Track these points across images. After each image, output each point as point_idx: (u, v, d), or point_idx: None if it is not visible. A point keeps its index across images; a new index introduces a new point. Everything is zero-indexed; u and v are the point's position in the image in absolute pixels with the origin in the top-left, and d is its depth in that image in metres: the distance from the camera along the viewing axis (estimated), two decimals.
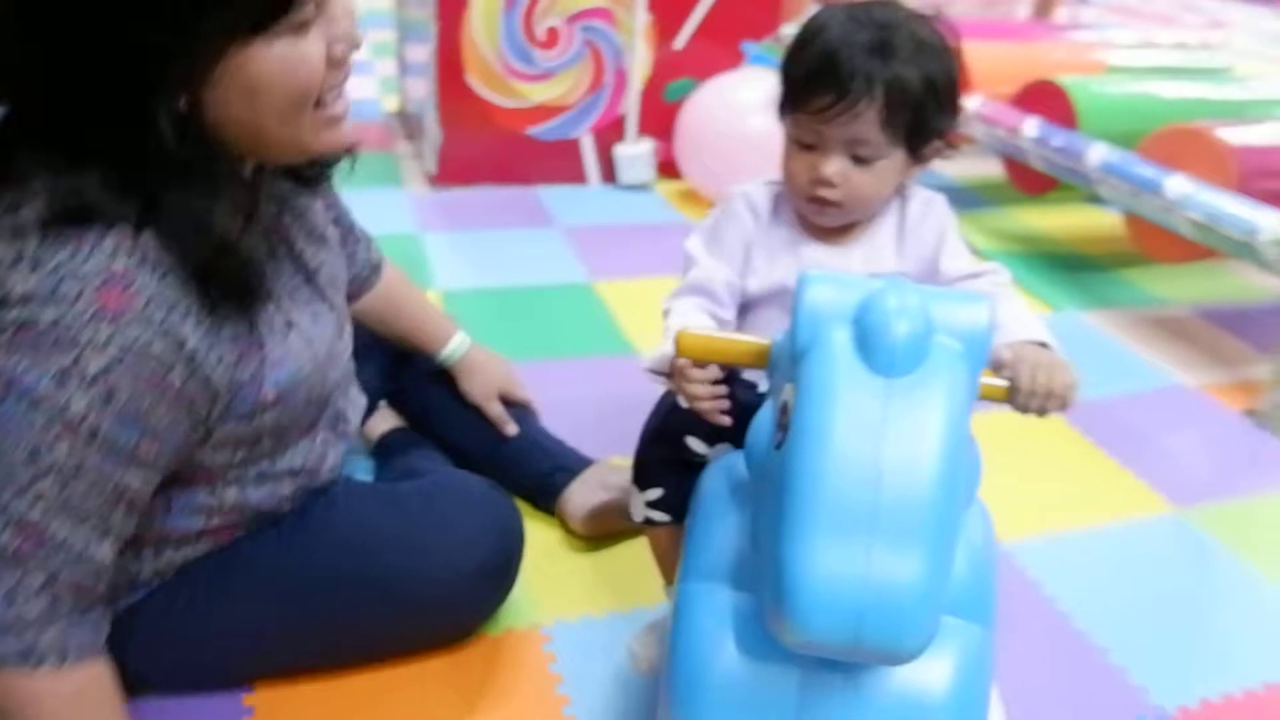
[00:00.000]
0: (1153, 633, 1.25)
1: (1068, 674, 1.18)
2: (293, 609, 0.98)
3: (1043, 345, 0.85)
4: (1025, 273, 2.28)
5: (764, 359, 0.83)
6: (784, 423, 0.72)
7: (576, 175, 2.64)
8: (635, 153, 2.61)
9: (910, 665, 0.70)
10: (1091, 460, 1.60)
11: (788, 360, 0.76)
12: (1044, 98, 2.43)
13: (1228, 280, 2.41)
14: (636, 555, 1.31)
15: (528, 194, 2.55)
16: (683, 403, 0.99)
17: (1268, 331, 2.10)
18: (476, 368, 1.35)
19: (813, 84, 0.86)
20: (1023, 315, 0.89)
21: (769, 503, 0.74)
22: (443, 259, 2.14)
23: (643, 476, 1.02)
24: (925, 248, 0.96)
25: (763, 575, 0.74)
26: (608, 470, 1.35)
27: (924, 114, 0.88)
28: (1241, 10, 6.67)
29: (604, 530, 1.32)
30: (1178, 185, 1.91)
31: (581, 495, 1.32)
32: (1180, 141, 2.10)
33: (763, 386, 0.90)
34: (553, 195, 2.55)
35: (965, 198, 2.82)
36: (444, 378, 1.35)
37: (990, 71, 2.55)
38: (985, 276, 0.95)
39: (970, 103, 2.47)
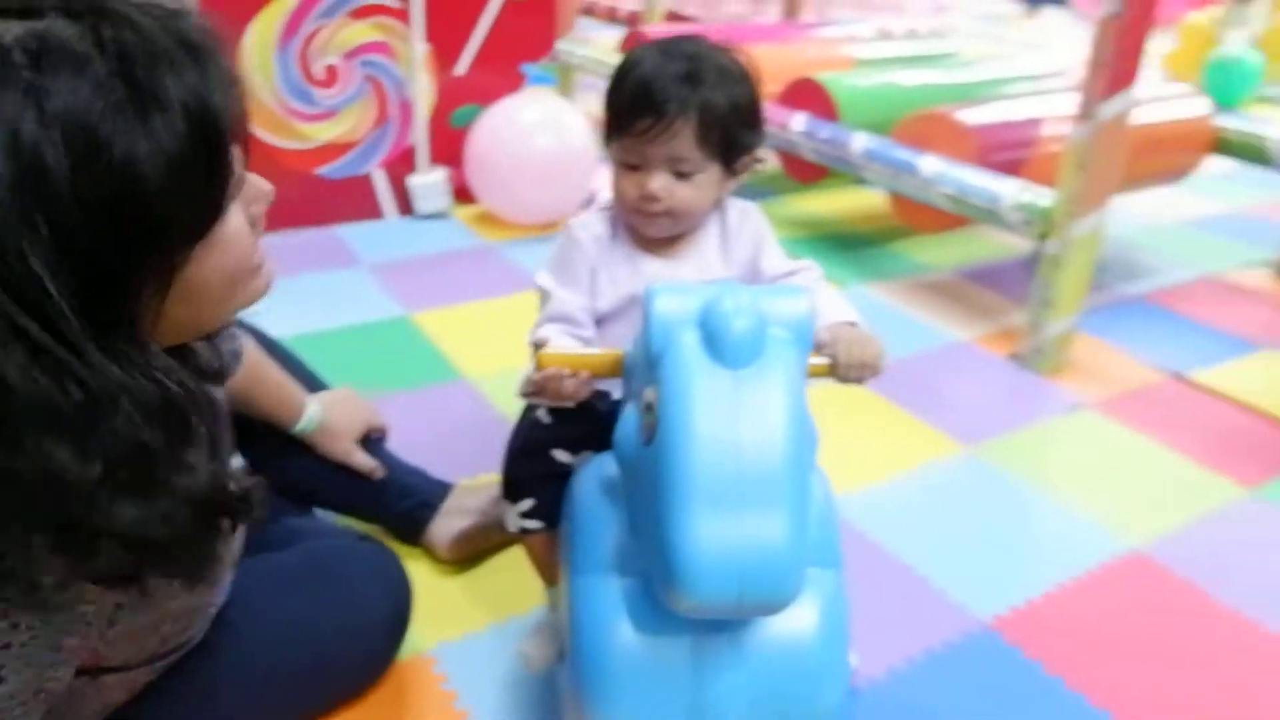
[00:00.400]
0: (963, 556, 1.43)
1: (899, 603, 1.34)
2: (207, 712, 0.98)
3: (852, 324, 0.99)
4: (807, 254, 2.47)
5: (619, 367, 0.93)
6: (650, 421, 0.81)
7: (373, 211, 2.64)
8: (429, 182, 2.64)
9: (783, 613, 0.81)
10: (891, 417, 1.80)
11: (643, 366, 0.85)
12: (806, 94, 2.66)
13: (980, 243, 2.71)
14: (502, 569, 1.37)
15: (326, 235, 2.53)
16: (544, 417, 1.07)
17: (1018, 284, 2.39)
18: (330, 431, 1.36)
19: (634, 110, 0.97)
20: (834, 300, 1.03)
21: (644, 493, 0.83)
22: (249, 312, 2.09)
23: (513, 491, 1.09)
24: (746, 252, 1.09)
25: (648, 558, 0.83)
26: (463, 495, 1.41)
27: (733, 132, 1.00)
28: None
29: (470, 553, 1.38)
30: (930, 165, 2.16)
31: (445, 526, 1.37)
32: (926, 125, 2.35)
33: (617, 393, 0.99)
34: (352, 233, 2.55)
35: (747, 191, 3.02)
36: (293, 441, 1.36)
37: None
38: (801, 273, 1.09)
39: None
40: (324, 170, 2.54)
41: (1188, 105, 2.66)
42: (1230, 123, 2.67)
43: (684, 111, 0.96)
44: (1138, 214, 2.96)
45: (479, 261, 2.41)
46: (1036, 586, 1.38)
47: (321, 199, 2.55)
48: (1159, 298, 2.42)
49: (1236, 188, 3.34)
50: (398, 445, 1.46)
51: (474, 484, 1.45)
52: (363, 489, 1.37)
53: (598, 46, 3.48)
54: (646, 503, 0.82)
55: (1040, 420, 1.82)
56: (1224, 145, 2.67)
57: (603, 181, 2.84)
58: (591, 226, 1.06)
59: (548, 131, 2.52)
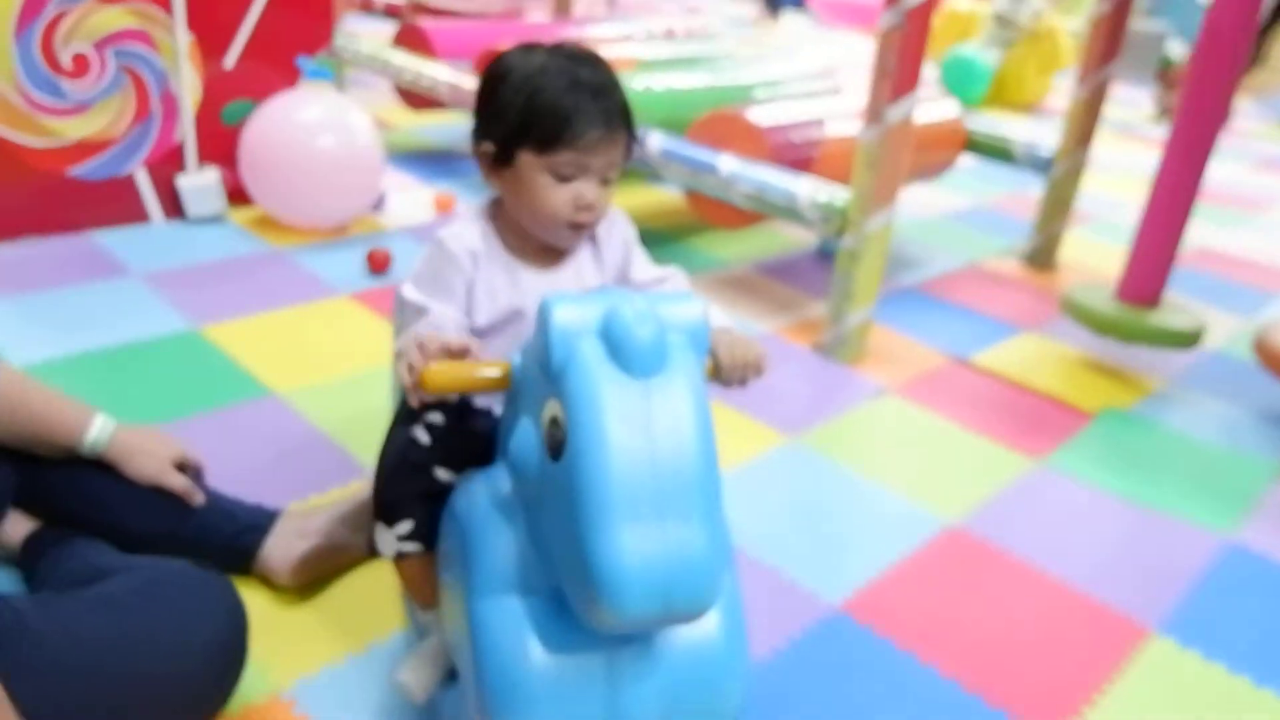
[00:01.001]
0: (804, 545, 1.49)
1: (759, 596, 1.36)
2: None
3: (727, 330, 0.99)
4: None
5: (507, 381, 0.89)
6: (556, 435, 0.78)
7: (137, 214, 2.39)
8: (201, 183, 2.43)
9: None
10: (717, 414, 1.83)
11: (540, 379, 0.82)
12: None
13: (776, 238, 2.83)
14: (351, 594, 1.28)
15: (83, 242, 2.27)
16: (422, 436, 1.00)
17: (816, 278, 2.52)
18: (136, 445, 1.22)
19: (578, 121, 0.94)
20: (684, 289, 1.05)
21: (552, 509, 0.80)
22: (2, 333, 1.84)
23: (390, 512, 1.01)
24: (616, 258, 1.08)
25: (560, 575, 0.80)
26: (299, 517, 1.31)
27: (633, 128, 1.01)
28: None
29: (313, 576, 1.28)
30: (728, 164, 2.22)
31: (282, 549, 1.26)
32: (720, 125, 2.42)
33: (497, 409, 0.94)
34: (115, 240, 2.30)
35: None
36: (88, 465, 1.21)
37: None
38: (669, 281, 1.09)
39: None
40: (78, 170, 2.27)
41: (945, 108, 2.89)
42: (979, 125, 2.93)
43: (623, 119, 0.97)
44: (903, 209, 3.19)
45: (268, 268, 2.25)
46: (874, 567, 1.45)
47: (76, 202, 2.29)
48: (932, 287, 2.62)
49: (980, 184, 3.67)
50: (209, 474, 1.33)
51: (304, 507, 1.35)
52: (180, 517, 1.24)
53: (375, 41, 3.33)
54: (555, 519, 0.79)
55: (851, 407, 1.92)
56: (974, 144, 2.93)
57: (389, 184, 2.73)
58: (464, 238, 1.02)
59: (331, 131, 2.38)
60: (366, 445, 1.59)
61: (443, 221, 2.66)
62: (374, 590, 1.29)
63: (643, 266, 1.09)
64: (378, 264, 2.25)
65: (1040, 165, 2.79)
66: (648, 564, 0.73)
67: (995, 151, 2.90)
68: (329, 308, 2.09)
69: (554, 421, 0.79)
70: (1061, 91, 6.49)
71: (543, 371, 0.81)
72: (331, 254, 2.36)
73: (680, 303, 0.85)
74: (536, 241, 1.03)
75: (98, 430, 1.19)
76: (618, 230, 1.09)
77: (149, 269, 2.17)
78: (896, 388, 2.01)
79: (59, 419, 1.18)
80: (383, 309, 2.09)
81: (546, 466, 0.80)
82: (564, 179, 0.97)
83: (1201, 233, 3.39)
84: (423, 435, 1.01)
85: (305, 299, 2.10)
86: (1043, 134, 2.86)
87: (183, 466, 1.26)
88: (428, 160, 3.26)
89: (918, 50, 1.89)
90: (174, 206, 2.43)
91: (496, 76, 0.99)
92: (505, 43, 3.01)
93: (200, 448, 1.31)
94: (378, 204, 2.62)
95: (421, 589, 1.04)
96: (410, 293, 1.00)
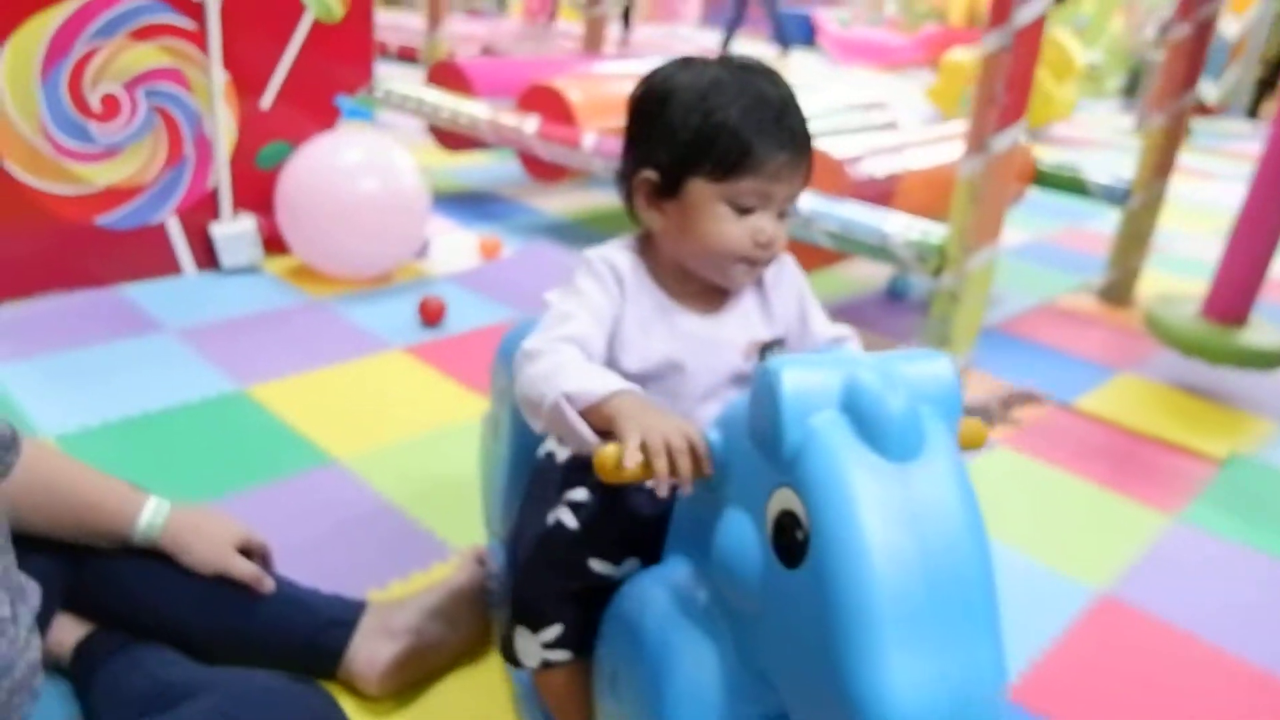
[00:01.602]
0: None
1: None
2: None
3: None
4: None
5: (709, 465, 0.72)
6: (792, 535, 0.62)
7: (169, 266, 2.23)
8: (236, 231, 2.27)
9: None
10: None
11: (759, 462, 0.66)
12: None
13: (836, 279, 2.68)
14: (451, 701, 1.10)
15: (110, 296, 2.11)
16: (569, 521, 0.83)
17: (890, 321, 2.36)
18: (193, 529, 1.05)
19: (766, 144, 0.80)
20: None
21: (785, 625, 0.64)
22: (31, 398, 1.66)
23: (534, 615, 0.84)
24: (790, 309, 0.93)
25: (794, 706, 0.64)
26: (383, 612, 1.13)
27: (812, 152, 0.87)
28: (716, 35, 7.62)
29: (406, 683, 1.10)
30: (807, 201, 2.07)
31: (369, 650, 1.09)
32: None
33: (662, 491, 0.76)
34: (146, 293, 2.14)
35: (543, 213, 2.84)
36: (142, 556, 1.04)
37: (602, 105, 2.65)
38: (849, 342, 0.93)
39: (586, 139, 2.49)
40: (106, 220, 2.11)
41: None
42: (1046, 157, 2.79)
43: (804, 143, 0.84)
44: None
45: (312, 322, 2.08)
46: (1035, 645, 1.28)
47: (103, 254, 2.13)
48: (1012, 327, 2.46)
49: (1035, 218, 3.53)
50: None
51: (386, 598, 1.17)
52: (249, 611, 1.06)
53: (410, 81, 3.20)
54: (789, 638, 0.63)
55: (968, 462, 1.75)
56: (1044, 177, 2.79)
57: (434, 229, 2.58)
58: (616, 264, 0.88)
59: (374, 173, 2.23)
60: (445, 518, 1.42)
61: (490, 267, 2.50)
62: (476, 698, 1.11)
63: (822, 322, 0.94)
64: (431, 314, 2.08)
65: (1116, 198, 2.65)
66: (928, 696, 0.58)
67: (1066, 184, 2.76)
68: (383, 363, 1.92)
69: (787, 518, 0.63)
70: (1090, 117, 6.41)
71: (765, 453, 0.65)
72: (378, 304, 2.20)
73: (923, 363, 0.69)
74: (697, 282, 0.88)
75: (150, 515, 1.03)
76: (787, 276, 0.93)
77: (183, 324, 2.00)
78: (1005, 439, 1.84)
79: (106, 505, 1.02)
80: (443, 364, 1.93)
81: (776, 573, 0.64)
82: (743, 210, 0.83)
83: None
84: (569, 518, 0.85)
85: (356, 354, 1.94)
86: (1094, 165, 2.74)
87: (247, 551, 1.09)
88: (467, 203, 3.11)
89: (1027, 73, 1.75)
90: (207, 257, 2.28)
91: (659, 95, 0.85)
92: (545, 78, 2.92)
93: (260, 526, 1.13)
94: (421, 250, 2.46)
95: (568, 704, 0.87)
96: (556, 297, 0.87)
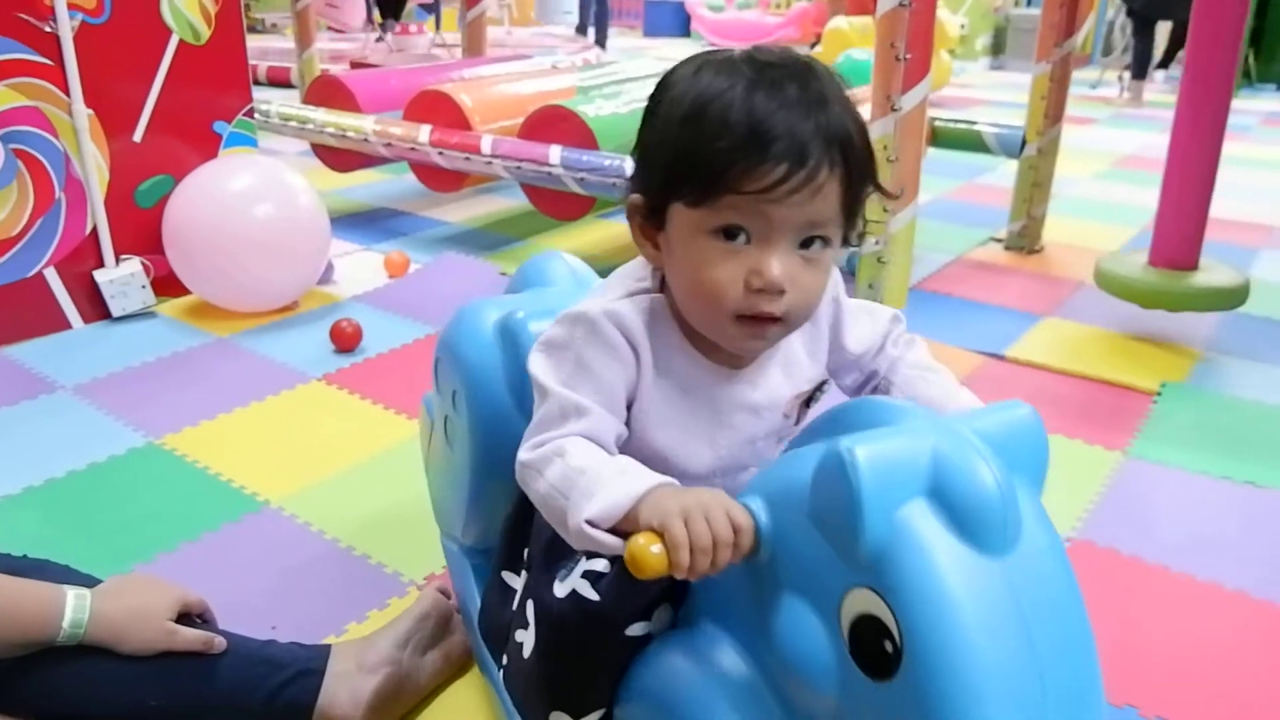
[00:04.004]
0: None
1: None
2: None
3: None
4: None
5: (754, 544, 0.63)
6: (879, 646, 0.54)
7: (54, 321, 2.07)
8: (122, 275, 2.12)
9: None
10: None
11: (827, 554, 0.57)
12: (547, 125, 2.45)
13: None
14: None
15: None
16: (589, 593, 0.73)
17: None
18: (124, 613, 0.95)
19: (751, 151, 0.63)
20: (951, 383, 0.79)
21: None
22: None
23: (572, 698, 0.76)
24: (824, 332, 0.79)
25: None
26: (354, 651, 1.06)
27: (869, 178, 0.69)
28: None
29: (395, 717, 1.04)
30: None
31: (347, 691, 1.01)
32: None
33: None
34: (31, 352, 1.97)
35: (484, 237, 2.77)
36: (74, 653, 0.93)
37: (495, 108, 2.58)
38: (894, 335, 0.82)
39: (485, 143, 2.41)
40: None
41: None
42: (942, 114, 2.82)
43: (829, 153, 0.64)
44: None
45: (218, 360, 1.96)
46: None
47: None
48: (930, 285, 2.47)
49: (933, 179, 3.57)
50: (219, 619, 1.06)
51: (348, 643, 1.09)
52: (207, 677, 0.97)
53: (289, 102, 3.05)
54: None
55: None
56: (942, 136, 2.82)
57: (335, 251, 2.47)
58: (627, 322, 0.71)
59: (266, 198, 2.11)
60: (394, 550, 1.34)
61: (400, 284, 2.40)
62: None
63: (860, 328, 0.79)
64: (346, 340, 1.98)
65: (1013, 148, 2.69)
66: None
67: (965, 140, 2.79)
68: (302, 396, 1.81)
69: (870, 623, 0.55)
70: (966, 78, 6.59)
71: (835, 546, 0.57)
72: (287, 335, 2.08)
73: (1008, 419, 0.61)
74: None
75: (73, 613, 0.92)
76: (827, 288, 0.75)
77: (78, 380, 1.85)
78: None
79: (20, 614, 0.90)
80: (365, 389, 1.83)
81: (857, 683, 0.56)
82: (731, 237, 0.65)
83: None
84: (590, 592, 0.73)
85: (272, 390, 1.82)
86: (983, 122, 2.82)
87: (185, 616, 1.00)
88: (365, 221, 3.00)
89: (927, 28, 1.75)
90: (94, 307, 2.12)
91: (654, 95, 0.71)
92: (432, 84, 2.82)
93: (197, 586, 1.03)
94: (326, 274, 2.34)
95: None
96: (548, 375, 0.71)
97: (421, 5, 7.25)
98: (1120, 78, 6.04)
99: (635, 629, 0.74)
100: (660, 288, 0.74)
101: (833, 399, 0.77)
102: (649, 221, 0.70)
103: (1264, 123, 5.26)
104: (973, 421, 0.59)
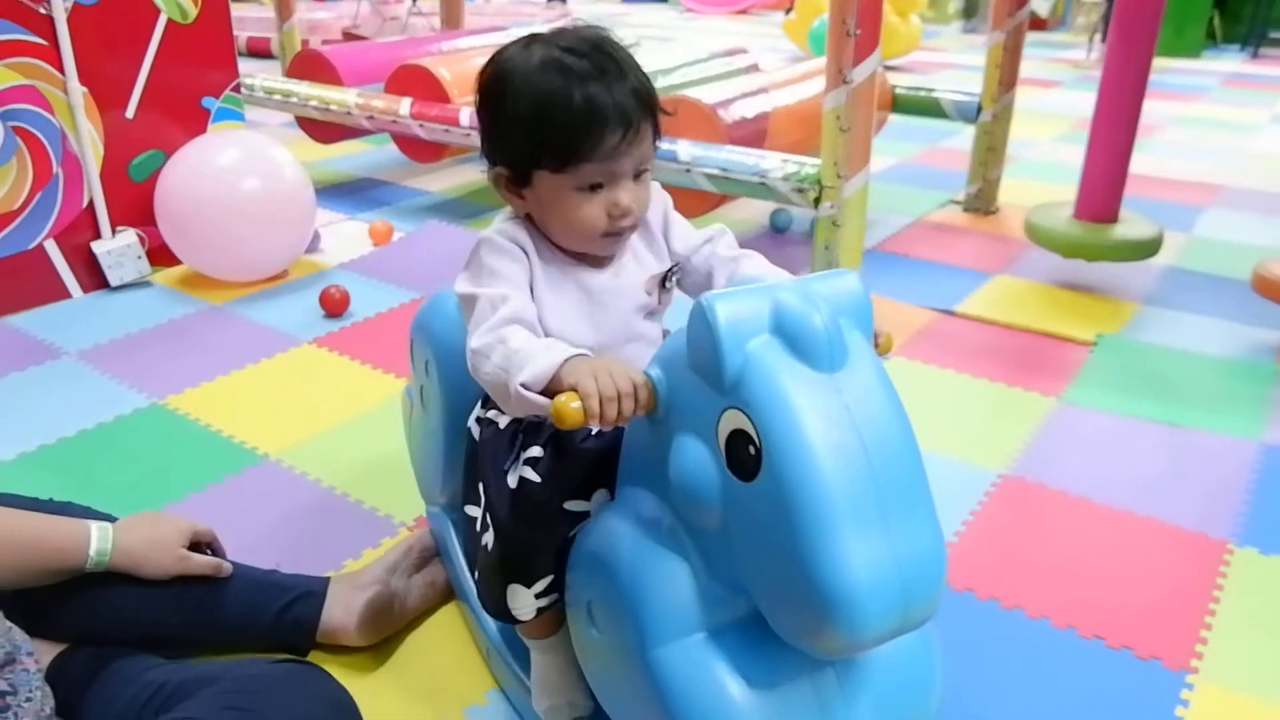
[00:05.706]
0: None
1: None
2: None
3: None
4: None
5: (654, 402, 0.78)
6: (746, 452, 0.69)
7: (55, 291, 2.18)
8: (119, 246, 2.22)
9: None
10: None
11: (703, 391, 0.72)
12: None
13: (721, 220, 2.77)
14: (429, 659, 1.17)
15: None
16: (531, 475, 0.89)
17: (778, 255, 2.47)
18: (141, 542, 1.07)
19: (596, 128, 0.83)
20: (765, 263, 0.96)
21: (747, 533, 0.70)
22: None
23: (525, 571, 0.90)
24: (658, 234, 0.97)
25: (766, 604, 0.71)
26: (349, 576, 1.21)
27: (658, 114, 0.90)
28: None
29: (383, 631, 1.18)
30: (686, 149, 2.15)
31: (344, 605, 1.16)
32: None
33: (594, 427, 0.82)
34: (35, 321, 2.08)
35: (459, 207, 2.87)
36: (98, 581, 1.05)
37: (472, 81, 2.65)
38: (716, 239, 0.98)
39: (463, 115, 2.51)
40: None
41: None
42: (904, 84, 2.94)
43: (640, 108, 0.85)
44: None
45: (213, 327, 2.07)
46: (949, 529, 1.40)
47: None
48: (889, 246, 2.60)
49: (893, 143, 3.69)
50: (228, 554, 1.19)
51: (345, 574, 1.22)
52: (218, 600, 1.11)
53: (270, 75, 3.14)
54: (753, 544, 0.70)
55: None
56: (901, 103, 2.93)
57: (321, 221, 2.57)
58: (517, 237, 0.90)
59: (253, 171, 2.21)
60: (386, 495, 1.47)
61: (385, 251, 2.51)
62: (450, 652, 1.18)
63: (685, 234, 0.98)
64: (335, 305, 2.10)
65: (969, 114, 2.81)
66: (883, 574, 0.65)
67: (923, 106, 2.91)
68: (294, 358, 1.93)
69: (738, 436, 0.69)
70: (938, 42, 6.66)
71: (709, 381, 0.72)
72: (278, 302, 2.19)
73: (836, 281, 0.76)
74: None
75: (98, 543, 1.04)
76: (655, 201, 0.96)
77: (81, 346, 1.97)
78: (897, 349, 1.98)
79: (48, 546, 1.02)
80: (354, 351, 1.95)
81: (734, 488, 0.70)
82: (592, 188, 0.87)
83: None
84: (531, 474, 0.89)
85: (266, 353, 1.94)
86: (950, 86, 2.93)
87: (195, 546, 1.13)
88: (350, 192, 3.09)
89: (877, 7, 1.86)
90: (93, 277, 2.23)
91: (498, 83, 0.88)
92: (412, 58, 2.91)
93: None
94: (313, 244, 2.45)
95: (544, 628, 0.94)
96: (468, 286, 0.88)
97: None
98: (1092, 38, 6.13)
99: (573, 505, 0.89)
100: (527, 222, 0.93)
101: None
102: (513, 184, 0.90)
103: (1225, 84, 5.37)
104: (807, 284, 0.74)
